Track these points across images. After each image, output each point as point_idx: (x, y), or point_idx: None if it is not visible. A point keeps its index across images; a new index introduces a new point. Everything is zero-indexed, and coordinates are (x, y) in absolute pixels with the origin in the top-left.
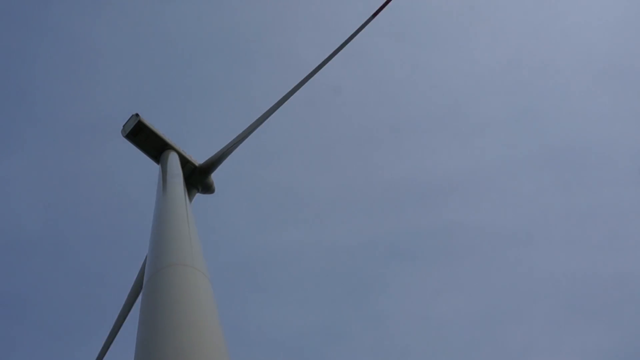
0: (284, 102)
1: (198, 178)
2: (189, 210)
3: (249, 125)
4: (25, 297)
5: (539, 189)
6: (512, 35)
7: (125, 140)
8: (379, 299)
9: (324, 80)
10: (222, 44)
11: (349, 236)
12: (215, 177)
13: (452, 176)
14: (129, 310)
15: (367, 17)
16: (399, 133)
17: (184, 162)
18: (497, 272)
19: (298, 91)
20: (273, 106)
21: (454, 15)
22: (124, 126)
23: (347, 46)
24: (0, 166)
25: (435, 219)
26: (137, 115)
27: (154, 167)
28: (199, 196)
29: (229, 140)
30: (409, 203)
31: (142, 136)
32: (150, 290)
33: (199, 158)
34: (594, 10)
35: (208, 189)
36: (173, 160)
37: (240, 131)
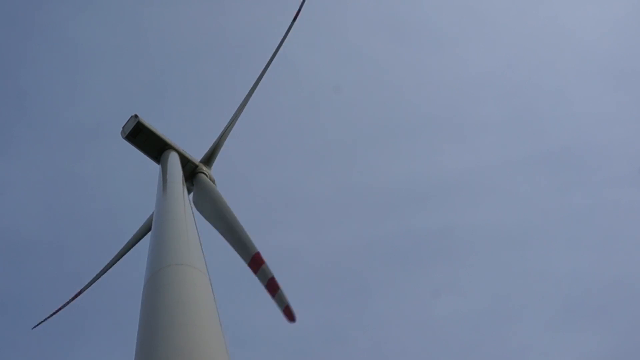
0: (257, 86)
1: (203, 169)
2: (190, 210)
3: (233, 113)
4: (23, 298)
5: (537, 190)
6: (509, 37)
7: (125, 141)
8: (378, 299)
9: (324, 80)
10: (219, 44)
11: (348, 237)
12: (216, 177)
13: (451, 177)
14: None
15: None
16: (397, 134)
17: (185, 161)
18: (496, 273)
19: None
20: (250, 90)
21: (453, 17)
22: (123, 127)
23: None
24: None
25: (434, 220)
26: (136, 116)
27: (154, 167)
28: None
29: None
30: (408, 204)
31: (142, 137)
32: (150, 290)
33: (200, 157)
34: (592, 12)
35: None
36: (173, 160)
37: (227, 122)
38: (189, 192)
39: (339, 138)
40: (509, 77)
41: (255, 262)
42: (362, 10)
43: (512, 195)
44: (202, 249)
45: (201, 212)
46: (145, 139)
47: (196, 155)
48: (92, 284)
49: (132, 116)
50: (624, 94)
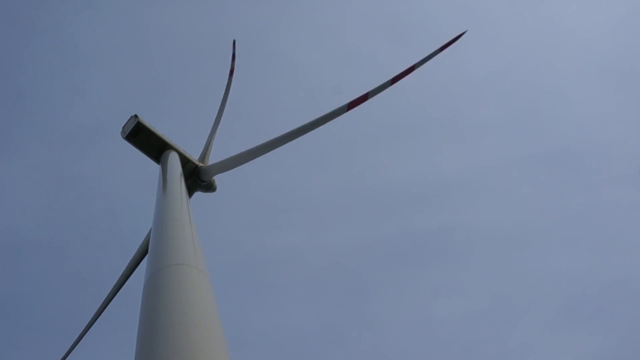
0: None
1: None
2: (190, 210)
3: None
4: (23, 298)
5: (537, 190)
6: (509, 37)
7: (125, 141)
8: (378, 299)
9: (324, 80)
10: (218, 44)
11: (348, 237)
12: (216, 178)
13: (451, 177)
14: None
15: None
16: (397, 134)
17: (185, 161)
18: (496, 274)
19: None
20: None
21: (453, 17)
22: (123, 127)
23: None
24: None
25: (433, 220)
26: (136, 116)
27: (154, 167)
28: (199, 197)
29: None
30: (408, 204)
31: (142, 137)
32: (150, 290)
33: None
34: (592, 12)
35: (209, 187)
36: (173, 160)
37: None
38: (190, 191)
39: (339, 138)
40: (509, 77)
41: (354, 104)
42: (362, 10)
43: (512, 195)
44: (202, 249)
45: (232, 166)
46: (145, 139)
47: (196, 156)
48: (85, 332)
49: (132, 116)
50: (624, 94)
